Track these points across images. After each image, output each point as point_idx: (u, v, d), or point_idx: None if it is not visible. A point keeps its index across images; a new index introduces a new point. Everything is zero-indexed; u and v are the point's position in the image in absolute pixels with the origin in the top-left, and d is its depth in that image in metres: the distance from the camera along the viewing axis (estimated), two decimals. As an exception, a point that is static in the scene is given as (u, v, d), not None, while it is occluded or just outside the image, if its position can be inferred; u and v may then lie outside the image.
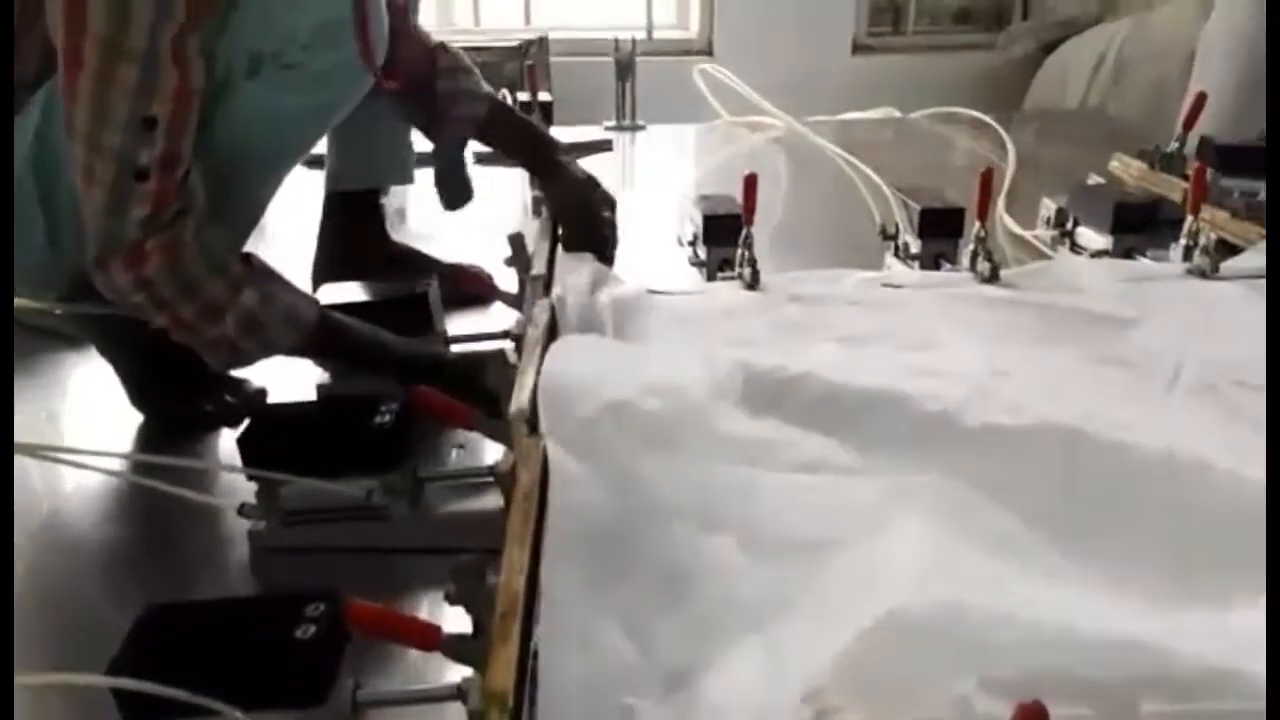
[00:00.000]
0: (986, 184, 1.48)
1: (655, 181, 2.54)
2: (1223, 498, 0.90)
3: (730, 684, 0.73)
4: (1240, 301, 1.37)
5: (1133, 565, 0.87)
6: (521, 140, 1.53)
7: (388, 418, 1.03)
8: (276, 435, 1.06)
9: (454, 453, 1.18)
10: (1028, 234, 1.86)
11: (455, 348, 1.35)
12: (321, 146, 1.42)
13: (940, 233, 1.58)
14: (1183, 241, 1.52)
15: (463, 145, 1.50)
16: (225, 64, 1.08)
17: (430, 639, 0.71)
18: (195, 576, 1.03)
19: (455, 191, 1.52)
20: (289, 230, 1.68)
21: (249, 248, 1.21)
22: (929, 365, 1.16)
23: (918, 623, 0.71)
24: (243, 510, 1.03)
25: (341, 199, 1.57)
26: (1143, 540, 0.89)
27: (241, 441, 1.03)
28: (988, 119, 2.72)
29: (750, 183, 1.40)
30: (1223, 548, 0.86)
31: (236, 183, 1.16)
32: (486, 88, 1.47)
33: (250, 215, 1.24)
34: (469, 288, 1.39)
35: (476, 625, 0.71)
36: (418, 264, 1.58)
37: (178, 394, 1.30)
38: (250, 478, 1.02)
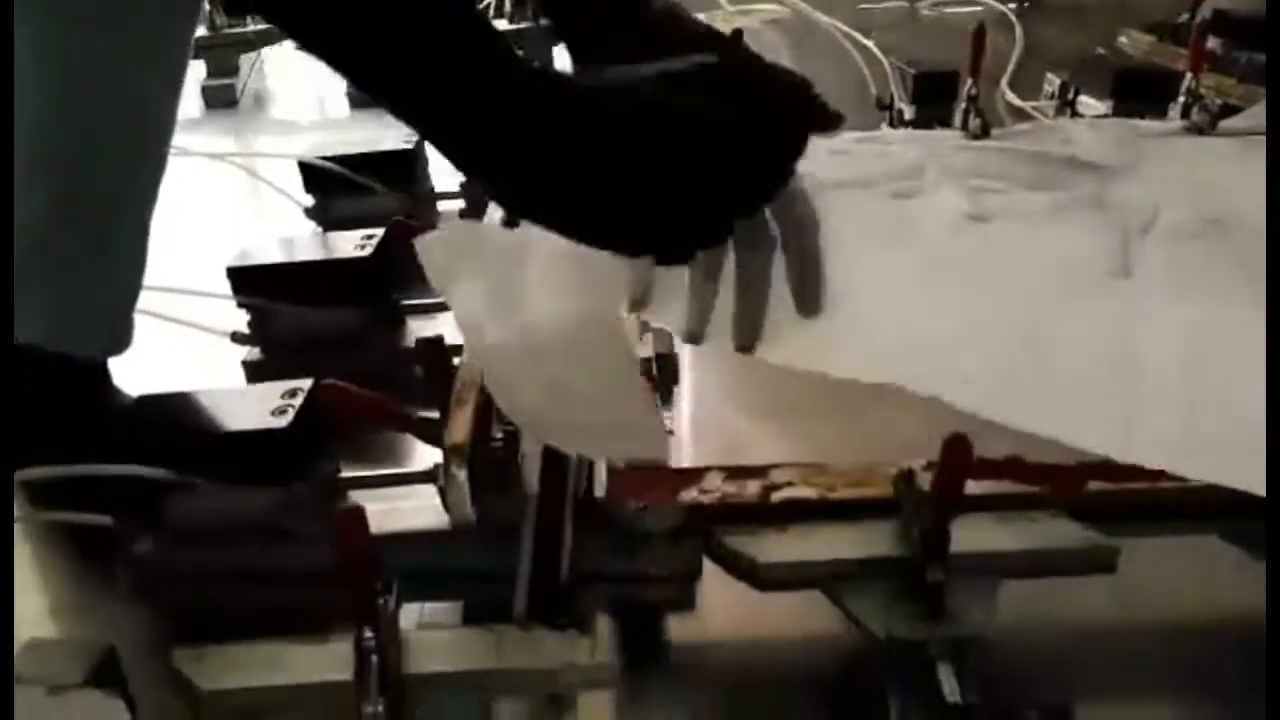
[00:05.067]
0: (979, 41, 1.48)
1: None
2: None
3: None
4: (1232, 157, 1.37)
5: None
6: None
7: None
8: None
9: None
10: (1028, 105, 1.86)
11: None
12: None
13: (936, 98, 1.59)
14: (1181, 99, 1.49)
15: None
16: None
17: (403, 420, 0.75)
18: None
19: None
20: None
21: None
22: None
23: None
24: None
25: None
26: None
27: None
28: (1001, 6, 2.69)
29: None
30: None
31: None
32: None
33: None
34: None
35: (443, 410, 0.74)
36: None
37: None
38: None
